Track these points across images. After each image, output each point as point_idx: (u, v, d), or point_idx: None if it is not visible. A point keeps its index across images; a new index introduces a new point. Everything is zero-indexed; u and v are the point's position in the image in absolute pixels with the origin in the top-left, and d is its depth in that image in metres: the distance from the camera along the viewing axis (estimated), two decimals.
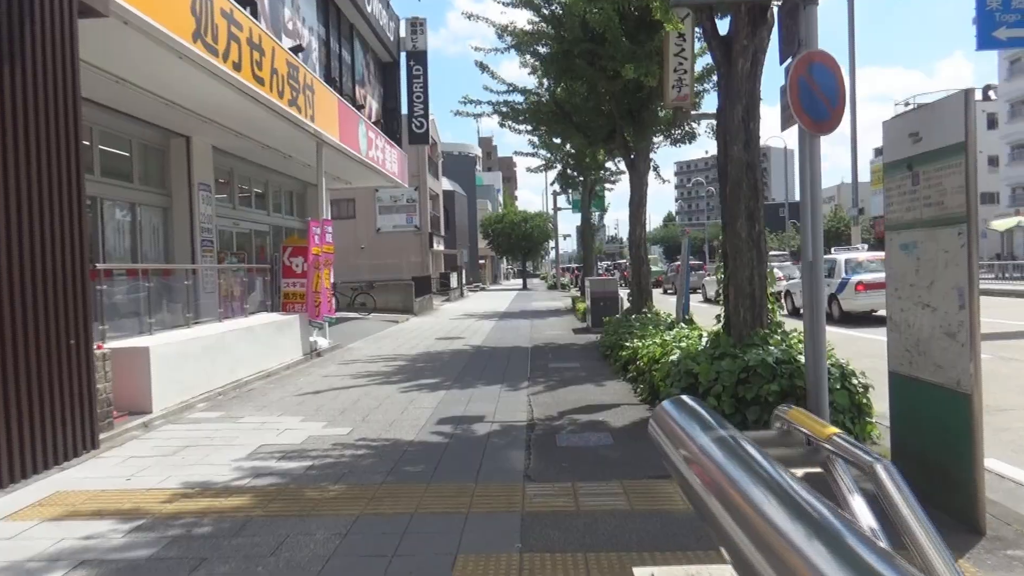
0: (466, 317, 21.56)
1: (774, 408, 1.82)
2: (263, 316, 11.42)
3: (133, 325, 8.32)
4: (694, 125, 12.55)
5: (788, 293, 18.33)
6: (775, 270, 25.62)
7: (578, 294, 30.93)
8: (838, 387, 5.41)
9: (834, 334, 6.52)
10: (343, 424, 6.65)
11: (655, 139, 13.03)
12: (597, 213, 31.47)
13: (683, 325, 9.43)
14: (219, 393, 8.41)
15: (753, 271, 6.22)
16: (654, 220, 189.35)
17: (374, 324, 18.53)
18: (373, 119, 19.11)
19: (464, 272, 41.68)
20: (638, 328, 10.16)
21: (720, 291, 7.16)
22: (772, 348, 5.84)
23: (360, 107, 17.25)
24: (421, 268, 37.82)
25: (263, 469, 5.15)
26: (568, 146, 24.62)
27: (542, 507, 4.19)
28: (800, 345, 6.15)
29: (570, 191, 27.20)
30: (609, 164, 25.39)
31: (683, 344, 7.38)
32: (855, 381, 5.59)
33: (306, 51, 14.14)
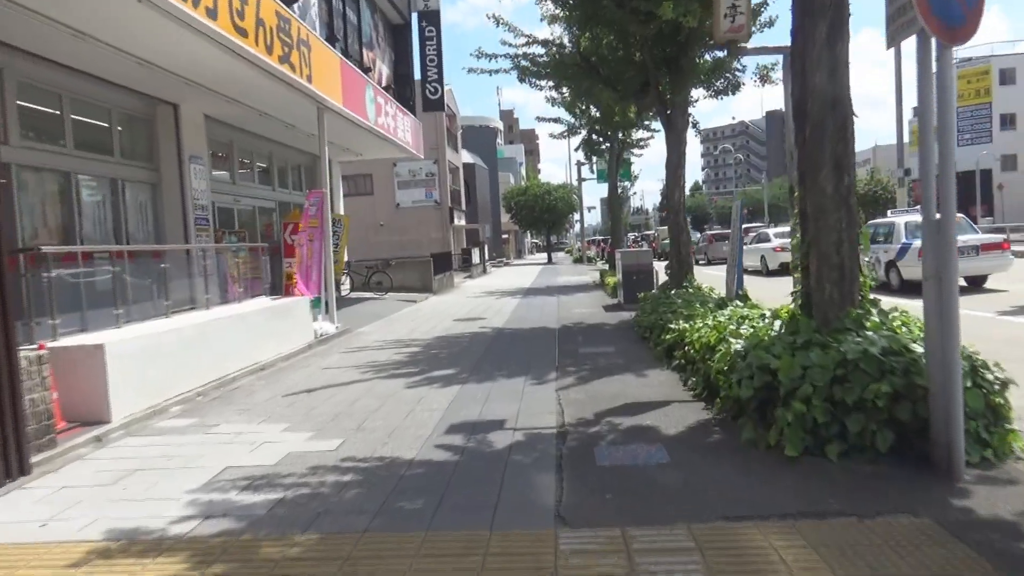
0: (488, 295, 20.35)
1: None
2: (259, 301, 10.28)
3: (97, 318, 7.20)
4: (739, 73, 11.06)
5: None
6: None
7: (606, 267, 29.56)
8: (968, 384, 4.08)
9: (900, 307, 5.39)
10: (333, 434, 5.46)
11: (694, 91, 11.59)
12: (625, 183, 29.87)
13: (737, 303, 8.08)
14: (199, 393, 7.29)
15: (842, 235, 4.87)
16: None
17: (389, 304, 17.39)
18: (383, 85, 17.80)
19: (486, 247, 40.43)
20: (682, 305, 8.85)
21: (791, 262, 5.78)
22: (872, 334, 4.51)
23: (367, 70, 15.95)
24: (442, 244, 36.67)
25: (217, 506, 3.98)
26: (593, 109, 23.19)
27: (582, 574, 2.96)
28: (907, 330, 4.81)
29: (595, 159, 25.72)
30: (637, 131, 23.91)
31: (745, 328, 6.06)
32: (989, 375, 4.26)
33: (304, 6, 12.83)
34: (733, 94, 11.39)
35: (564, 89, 12.58)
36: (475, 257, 33.67)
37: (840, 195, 4.85)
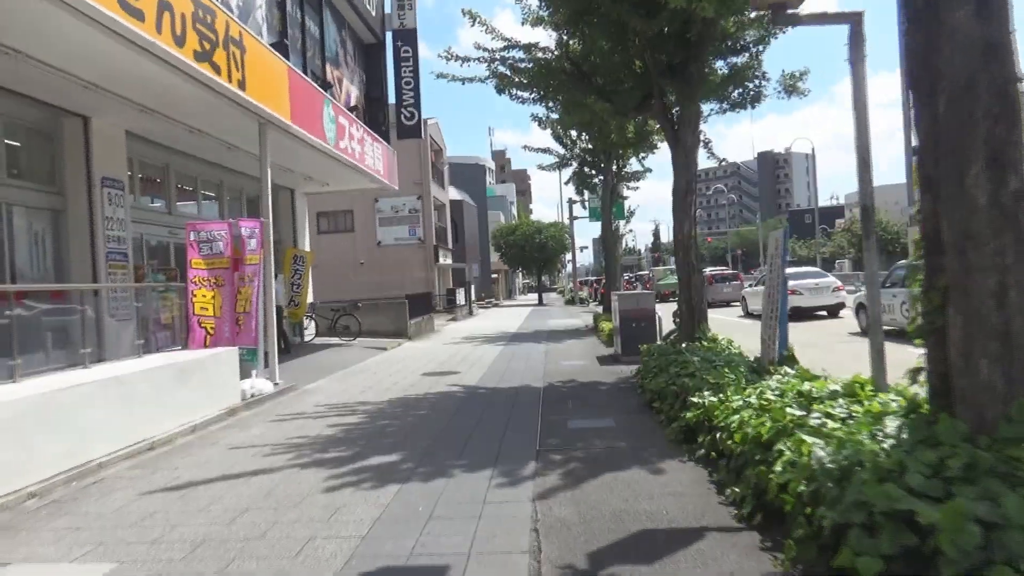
0: (469, 341, 18.28)
1: None
2: (164, 356, 8.18)
3: None
4: (760, 82, 9.21)
5: (862, 307, 14.94)
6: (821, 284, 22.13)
7: (599, 310, 27.59)
8: None
9: None
10: None
11: (706, 104, 9.75)
12: (619, 221, 28.01)
13: (786, 368, 6.01)
14: (33, 493, 5.17)
15: (1006, 277, 2.89)
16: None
17: (354, 353, 15.29)
18: (349, 105, 15.95)
19: (473, 288, 38.46)
20: (701, 367, 6.83)
21: (910, 322, 3.70)
22: None
23: (328, 86, 14.11)
24: (426, 284, 34.70)
25: None
26: (584, 139, 21.47)
27: None
28: None
29: (587, 194, 23.96)
30: (632, 159, 22.16)
31: (817, 416, 4.02)
32: None
33: (246, 6, 11.00)
34: (752, 107, 9.57)
35: (551, 103, 10.67)
36: (460, 298, 31.67)
37: (1003, 209, 2.88)
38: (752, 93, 9.53)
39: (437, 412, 8.09)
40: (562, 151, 21.87)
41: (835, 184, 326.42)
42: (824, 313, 20.34)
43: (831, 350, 12.46)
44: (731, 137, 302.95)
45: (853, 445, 3.16)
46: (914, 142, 3.20)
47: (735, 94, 9.50)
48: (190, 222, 9.44)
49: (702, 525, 3.98)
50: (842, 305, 20.16)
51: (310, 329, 17.73)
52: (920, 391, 3.41)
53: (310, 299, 18.10)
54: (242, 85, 9.07)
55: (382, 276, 34.58)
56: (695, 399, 5.66)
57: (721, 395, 5.42)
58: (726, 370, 6.08)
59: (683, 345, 8.80)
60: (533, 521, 4.19)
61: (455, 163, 56.35)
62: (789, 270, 23.65)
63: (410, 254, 35.56)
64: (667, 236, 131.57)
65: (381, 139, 17.29)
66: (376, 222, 35.71)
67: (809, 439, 3.54)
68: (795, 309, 19.98)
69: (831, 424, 3.75)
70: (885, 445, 3.06)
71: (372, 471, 5.50)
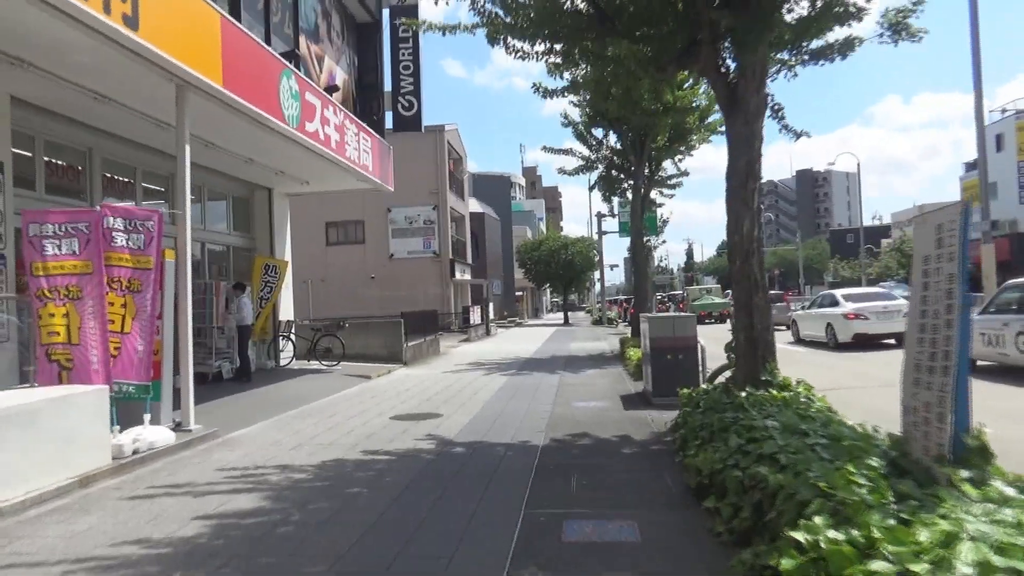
0: (474, 368, 15.60)
1: None
2: None
3: None
4: (855, 13, 6.42)
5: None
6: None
7: (627, 332, 24.78)
8: None
9: None
10: None
11: (774, 53, 7.03)
12: (652, 237, 25.17)
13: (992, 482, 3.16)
14: None
15: None
16: (706, 251, 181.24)
17: (328, 382, 12.71)
18: (327, 85, 13.47)
19: (492, 306, 35.83)
20: (786, 442, 4.10)
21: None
22: None
23: (295, 58, 11.64)
24: (441, 300, 32.20)
25: None
26: (612, 137, 18.80)
27: None
28: None
29: (615, 201, 21.21)
30: (667, 164, 19.41)
31: None
32: None
33: None
34: (842, 57, 6.81)
35: (561, 59, 7.96)
36: (475, 316, 29.05)
37: None
38: (839, 45, 6.79)
39: (375, 493, 5.41)
40: (587, 152, 19.21)
41: (874, 204, 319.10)
42: (892, 341, 17.27)
43: None
44: (767, 155, 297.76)
45: None
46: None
47: (816, 37, 6.75)
48: (27, 211, 6.87)
49: None
50: None
51: (287, 352, 15.22)
52: None
53: (288, 316, 15.62)
54: (131, 23, 6.59)
55: (394, 291, 32.19)
56: (800, 535, 2.88)
57: (855, 531, 2.67)
58: (849, 468, 3.29)
59: (743, 393, 6.02)
60: None
61: (479, 176, 54.06)
62: (850, 291, 20.71)
63: (425, 268, 33.11)
64: (700, 255, 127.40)
65: (373, 132, 14.82)
66: (389, 233, 33.37)
67: None
68: (860, 336, 17.06)
69: None
70: None
71: None
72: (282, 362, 15.13)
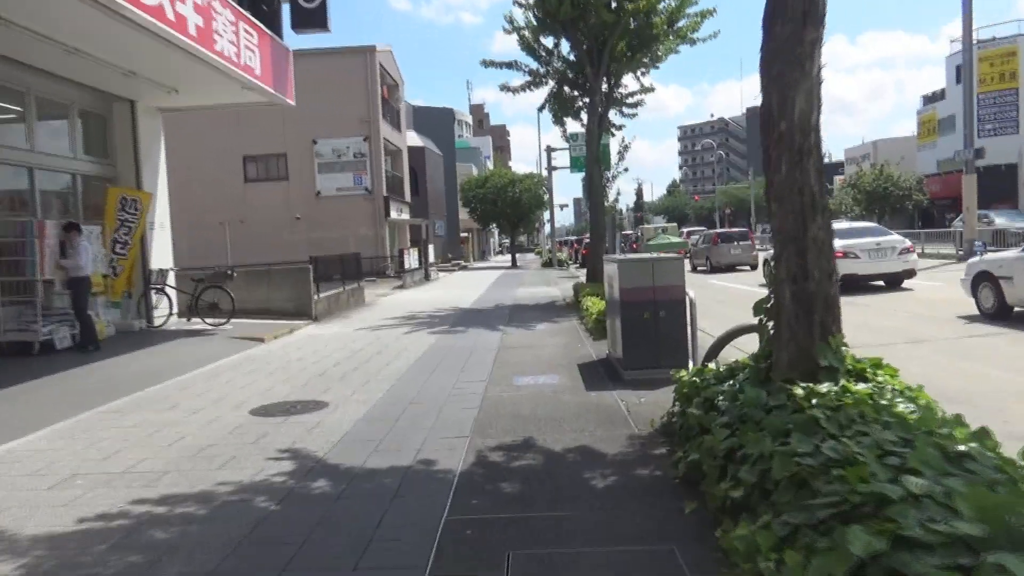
0: (398, 323, 12.86)
1: None
2: None
3: None
4: None
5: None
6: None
7: (580, 276, 22.31)
8: None
9: None
10: None
11: None
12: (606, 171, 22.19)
13: None
14: None
15: None
16: (656, 190, 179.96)
17: (202, 349, 9.84)
18: None
19: (434, 248, 32.89)
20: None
21: None
22: None
23: None
24: (375, 243, 29.17)
25: None
26: (565, 46, 15.86)
27: None
28: None
29: (568, 123, 18.26)
30: (628, 80, 16.62)
31: None
32: None
33: None
34: None
35: None
36: (412, 260, 26.15)
37: None
38: None
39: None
40: (534, 65, 16.25)
41: (823, 144, 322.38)
42: (882, 283, 15.13)
43: (963, 351, 7.23)
44: (718, 93, 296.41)
45: None
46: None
47: None
48: None
49: None
50: (912, 272, 14.95)
51: (162, 308, 12.20)
52: None
53: (165, 264, 12.55)
54: None
55: (323, 233, 28.98)
56: None
57: None
58: None
59: (798, 389, 3.46)
60: None
61: (420, 109, 50.29)
62: (836, 226, 18.51)
63: (356, 207, 29.87)
64: (651, 195, 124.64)
65: (264, 28, 11.59)
66: (315, 168, 29.88)
67: None
68: (848, 278, 14.82)
69: None
70: None
71: None
72: (157, 322, 12.13)
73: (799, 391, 3.53)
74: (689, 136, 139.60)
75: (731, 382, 4.30)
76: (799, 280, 3.93)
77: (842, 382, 3.62)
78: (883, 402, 3.36)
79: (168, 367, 8.47)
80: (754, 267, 24.24)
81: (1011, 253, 9.69)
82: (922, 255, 21.38)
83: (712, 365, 4.91)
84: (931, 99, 56.18)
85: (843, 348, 3.93)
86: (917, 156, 54.39)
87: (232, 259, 27.35)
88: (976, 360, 7.20)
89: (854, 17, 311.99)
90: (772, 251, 4.14)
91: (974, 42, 23.64)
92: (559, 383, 6.82)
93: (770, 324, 4.20)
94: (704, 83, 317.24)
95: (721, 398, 4.03)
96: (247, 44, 10.72)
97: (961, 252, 22.51)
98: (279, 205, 29.41)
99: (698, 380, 4.56)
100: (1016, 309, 9.39)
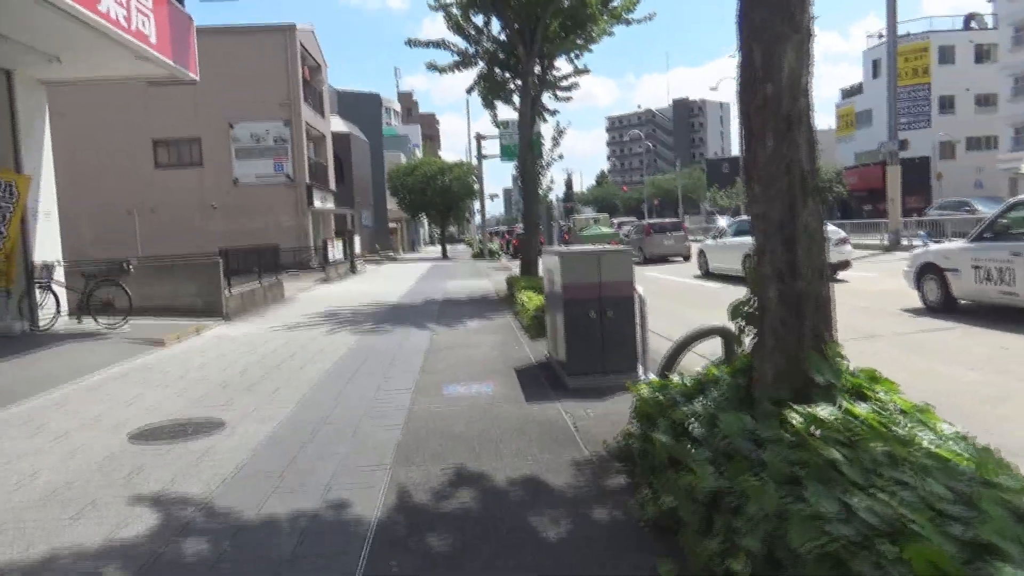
0: (317, 322, 11.85)
1: None
2: None
3: None
4: None
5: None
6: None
7: (512, 267, 21.60)
8: None
9: None
10: None
11: None
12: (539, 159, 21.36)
13: None
14: None
15: None
16: (586, 180, 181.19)
17: (88, 355, 8.65)
18: None
19: (360, 239, 31.62)
20: None
21: None
22: None
23: None
24: (297, 233, 27.78)
25: None
26: (496, 27, 15.05)
27: None
28: None
29: (499, 106, 17.37)
30: (561, 64, 15.98)
31: None
32: None
33: None
34: None
35: None
36: (336, 252, 24.87)
37: None
38: None
39: None
40: (463, 45, 15.37)
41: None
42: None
43: (916, 347, 6.82)
44: (644, 86, 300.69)
45: None
46: None
47: None
48: None
49: None
50: (848, 264, 14.82)
51: (47, 308, 10.82)
52: None
53: (52, 256, 11.17)
54: None
55: (241, 223, 27.36)
56: None
57: None
58: None
59: (794, 415, 2.79)
60: None
61: (345, 94, 48.54)
62: None
63: (277, 196, 28.29)
64: (580, 186, 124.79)
65: None
66: (232, 153, 28.13)
67: None
68: None
69: None
70: None
71: None
72: (43, 323, 10.75)
73: (795, 417, 2.86)
74: (617, 127, 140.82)
75: (702, 399, 3.61)
76: (786, 278, 3.27)
77: (844, 404, 2.98)
78: (899, 431, 2.73)
79: (41, 379, 7.30)
80: (687, 258, 24.05)
81: (956, 244, 9.44)
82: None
83: (674, 377, 4.23)
84: (849, 93, 57.87)
85: (842, 360, 3.29)
86: (836, 148, 55.96)
87: (143, 250, 25.47)
88: (937, 358, 6.81)
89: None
90: (753, 242, 3.46)
91: (866, 36, 23.99)
92: (495, 392, 6.05)
93: (748, 330, 3.53)
94: (631, 74, 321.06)
95: (694, 423, 3.34)
96: (139, 7, 9.48)
97: (886, 243, 22.87)
98: (193, 193, 27.57)
99: (661, 397, 3.87)
100: (962, 302, 9.15)
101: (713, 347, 4.92)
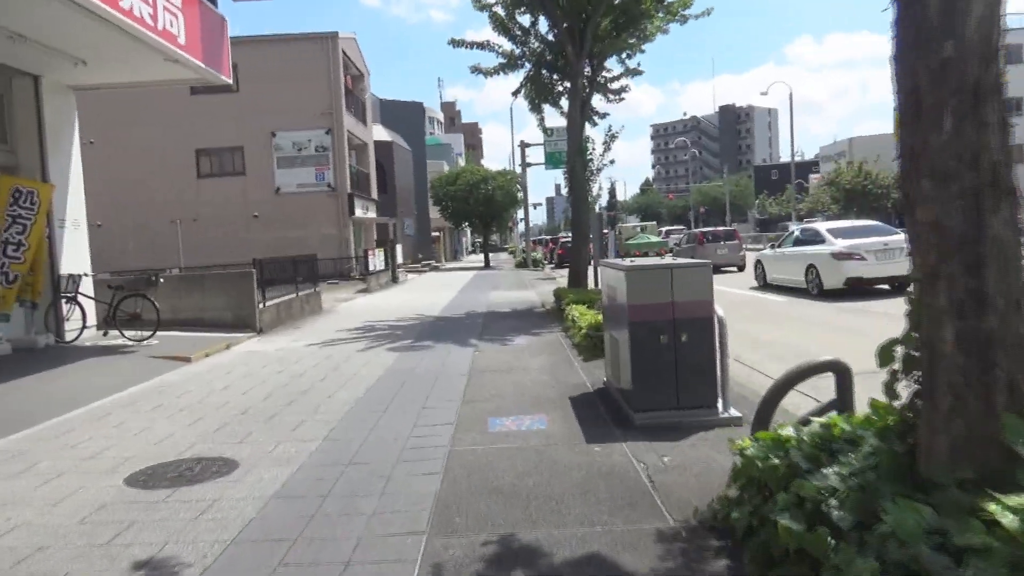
0: (355, 336, 11.17)
1: None
2: None
3: None
4: None
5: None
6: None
7: (557, 277, 20.74)
8: None
9: None
10: None
11: None
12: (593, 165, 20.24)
13: None
14: None
15: None
16: (629, 188, 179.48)
17: (110, 373, 8.07)
18: None
19: (403, 248, 31.11)
20: None
21: None
22: None
23: None
24: (338, 243, 27.36)
25: None
26: (544, 26, 14.27)
27: None
28: None
29: (546, 109, 16.54)
30: (612, 63, 15.12)
31: None
32: None
33: None
34: None
35: None
36: (378, 262, 24.35)
37: None
38: None
39: None
40: (509, 46, 14.64)
41: (798, 142, 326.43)
42: (886, 287, 13.74)
43: None
44: (689, 93, 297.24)
45: None
46: None
47: None
48: None
49: None
50: None
51: (74, 320, 10.35)
52: None
53: (80, 268, 10.70)
54: None
55: (283, 232, 27.09)
56: None
57: None
58: None
59: (1006, 514, 1.89)
60: None
61: (388, 103, 48.39)
62: (836, 224, 17.15)
63: (318, 204, 27.98)
64: (624, 194, 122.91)
65: None
66: (274, 163, 27.92)
67: None
68: (851, 282, 13.48)
69: None
70: None
71: None
72: (69, 336, 10.29)
73: (1005, 515, 1.96)
74: (662, 135, 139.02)
75: (836, 468, 2.71)
76: (969, 313, 2.35)
77: None
78: None
79: (48, 402, 6.70)
80: (741, 268, 22.89)
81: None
82: None
83: (787, 429, 3.32)
84: None
85: None
86: (893, 153, 53.79)
87: (185, 260, 25.34)
88: None
89: (821, 18, 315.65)
90: (912, 261, 2.57)
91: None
92: (549, 430, 5.20)
93: (905, 380, 2.62)
94: (675, 81, 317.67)
95: (835, 504, 2.45)
96: (166, 6, 8.94)
97: None
98: (235, 202, 27.42)
99: (775, 460, 2.97)
100: None
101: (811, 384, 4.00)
